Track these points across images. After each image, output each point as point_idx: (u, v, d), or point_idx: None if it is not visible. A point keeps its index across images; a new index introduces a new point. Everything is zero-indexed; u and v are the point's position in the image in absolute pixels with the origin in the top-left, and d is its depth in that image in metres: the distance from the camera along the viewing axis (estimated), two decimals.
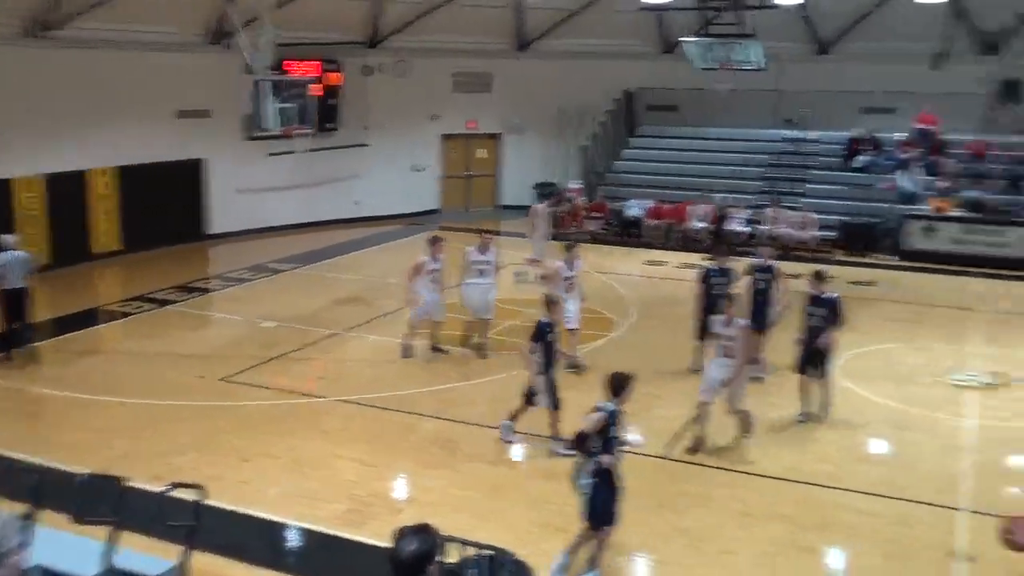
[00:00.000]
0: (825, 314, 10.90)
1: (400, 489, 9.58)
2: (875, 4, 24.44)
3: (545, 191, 19.23)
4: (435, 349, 13.55)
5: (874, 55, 24.63)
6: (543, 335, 10.08)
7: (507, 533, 8.31)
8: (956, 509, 8.98)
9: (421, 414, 11.25)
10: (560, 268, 12.85)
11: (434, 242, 13.38)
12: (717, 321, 10.37)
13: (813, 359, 10.95)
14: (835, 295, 11.25)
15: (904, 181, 22.39)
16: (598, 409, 7.41)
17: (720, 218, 21.94)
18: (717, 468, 9.84)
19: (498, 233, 14.19)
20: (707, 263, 13.33)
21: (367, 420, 11.08)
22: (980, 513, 8.83)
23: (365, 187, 25.17)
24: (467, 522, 8.34)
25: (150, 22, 19.79)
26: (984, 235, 20.45)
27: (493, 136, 27.48)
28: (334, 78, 23.75)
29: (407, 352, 13.30)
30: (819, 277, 11.27)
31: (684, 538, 8.33)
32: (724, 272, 12.87)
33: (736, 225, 22.21)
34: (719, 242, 21.51)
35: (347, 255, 21.12)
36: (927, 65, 22.55)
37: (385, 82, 24.98)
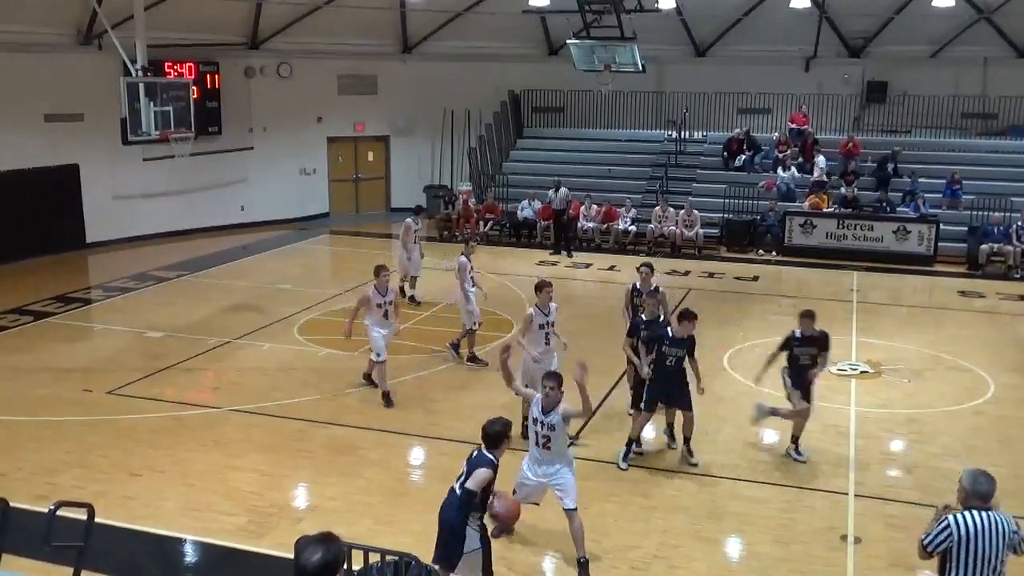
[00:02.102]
0: (682, 354, 9.80)
1: (301, 498, 9.38)
2: (748, 9, 25.33)
3: (416, 206, 17.84)
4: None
5: (749, 58, 25.56)
6: (637, 332, 10.25)
7: (411, 538, 8.25)
8: (842, 493, 9.37)
9: (320, 421, 11.07)
10: (533, 314, 10.57)
11: (378, 272, 11.77)
12: (533, 404, 7.82)
13: (669, 398, 10.03)
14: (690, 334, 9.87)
15: (783, 179, 23.27)
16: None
17: (559, 212, 22.20)
18: (618, 465, 9.98)
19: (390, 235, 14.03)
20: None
21: (263, 429, 10.83)
22: (864, 497, 9.25)
23: (252, 192, 24.65)
24: (371, 528, 8.28)
25: (14, 22, 18.89)
26: (857, 230, 21.44)
27: (381, 138, 27.28)
28: (212, 80, 23.15)
29: (388, 401, 11.62)
30: (691, 317, 9.79)
31: (587, 533, 8.41)
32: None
33: (621, 224, 22.67)
34: (566, 239, 21.97)
35: (235, 262, 20.60)
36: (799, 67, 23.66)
37: (269, 84, 24.51)
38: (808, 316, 10.21)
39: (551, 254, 21.82)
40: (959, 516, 5.52)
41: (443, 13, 25.71)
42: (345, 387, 12.25)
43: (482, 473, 6.54)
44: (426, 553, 6.44)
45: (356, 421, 11.10)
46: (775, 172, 23.65)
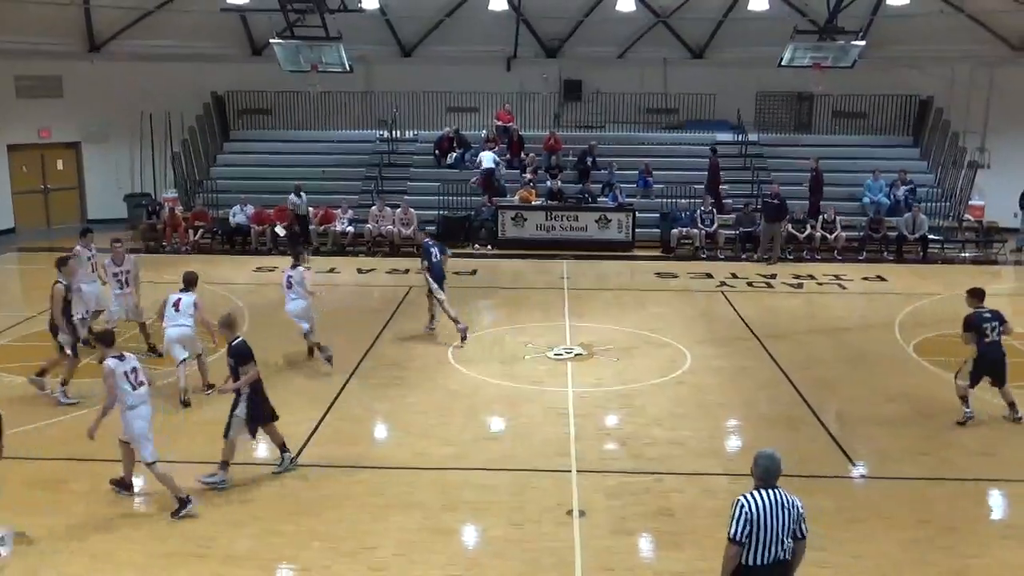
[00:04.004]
0: (233, 364, 9.54)
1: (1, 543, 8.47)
2: (450, 10, 25.97)
3: (85, 228, 15.41)
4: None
5: (454, 58, 26.24)
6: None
7: (131, 571, 7.76)
8: (566, 471, 9.87)
9: (18, 457, 9.99)
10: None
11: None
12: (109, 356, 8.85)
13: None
14: (238, 341, 9.62)
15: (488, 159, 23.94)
16: None
17: (302, 217, 21.97)
18: (352, 467, 9.94)
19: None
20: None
21: None
22: (586, 471, 9.82)
23: None
24: (88, 566, 7.70)
25: None
26: (564, 221, 22.65)
27: (71, 145, 25.20)
28: None
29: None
30: (229, 325, 9.76)
31: (322, 540, 8.30)
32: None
33: (339, 225, 22.48)
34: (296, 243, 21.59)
35: None
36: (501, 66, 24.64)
37: None
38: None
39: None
40: (749, 496, 5.75)
41: (133, 10, 24.18)
42: (46, 417, 11.21)
43: None
44: None
45: (60, 453, 10.17)
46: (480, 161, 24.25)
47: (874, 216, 22.62)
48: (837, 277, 19.94)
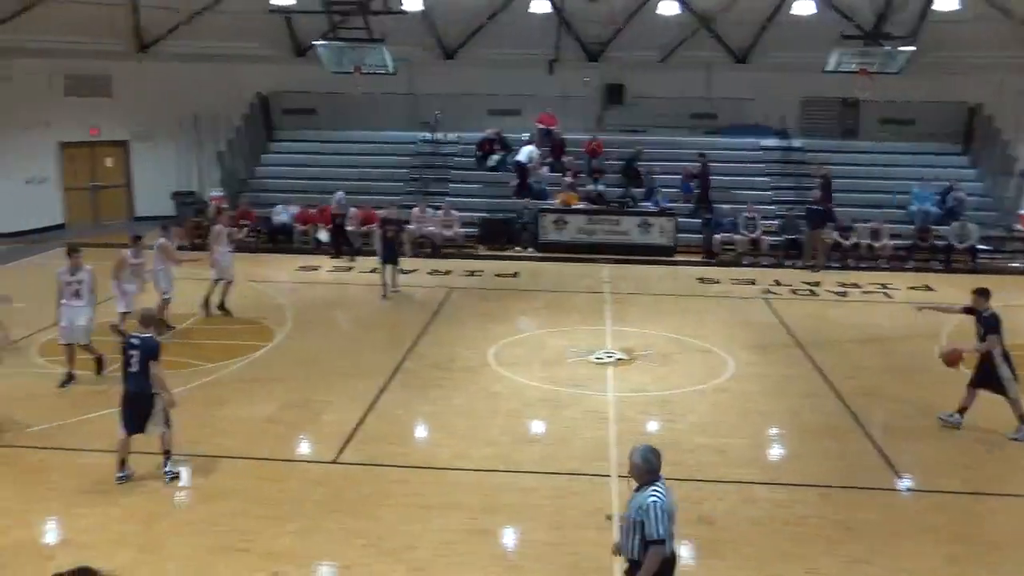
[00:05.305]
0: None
1: (49, 533, 8.61)
2: (493, 12, 26.00)
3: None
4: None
5: (496, 60, 26.24)
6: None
7: (176, 563, 7.86)
8: (605, 476, 9.83)
9: (64, 448, 10.22)
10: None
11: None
12: None
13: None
14: (149, 338, 9.47)
15: (534, 177, 24.04)
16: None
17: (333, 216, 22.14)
18: (393, 466, 9.99)
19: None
20: None
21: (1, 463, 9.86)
22: (626, 477, 9.72)
23: None
24: (134, 558, 7.81)
25: None
26: (605, 224, 22.55)
27: (120, 143, 25.61)
28: None
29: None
30: (145, 322, 9.76)
31: (363, 539, 8.35)
32: None
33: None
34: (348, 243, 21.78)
35: None
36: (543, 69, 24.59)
37: None
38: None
39: (332, 258, 21.32)
40: (658, 494, 5.94)
41: (181, 12, 24.50)
42: (89, 411, 11.37)
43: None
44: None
45: (107, 445, 10.29)
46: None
47: (922, 224, 22.26)
48: (883, 286, 19.66)
